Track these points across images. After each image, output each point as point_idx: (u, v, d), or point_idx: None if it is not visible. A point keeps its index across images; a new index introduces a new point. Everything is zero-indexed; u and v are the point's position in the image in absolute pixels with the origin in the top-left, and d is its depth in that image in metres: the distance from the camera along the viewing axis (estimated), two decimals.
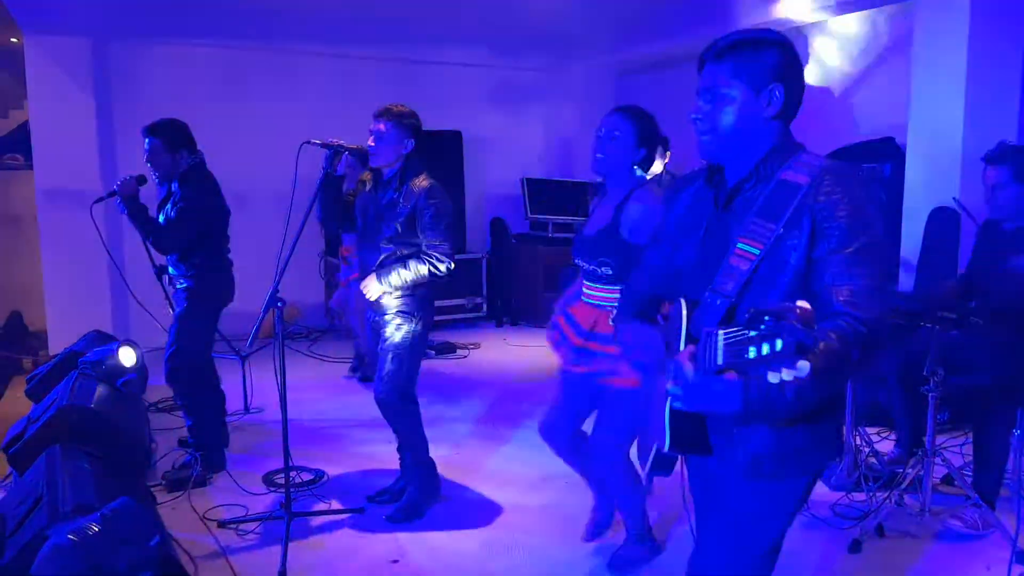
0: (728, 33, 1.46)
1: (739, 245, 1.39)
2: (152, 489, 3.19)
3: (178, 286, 3.47)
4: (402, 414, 3.03)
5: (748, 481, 1.48)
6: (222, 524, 2.98)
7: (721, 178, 1.52)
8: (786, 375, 1.09)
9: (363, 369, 5.01)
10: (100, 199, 3.46)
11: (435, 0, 5.76)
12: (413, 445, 3.10)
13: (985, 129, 4.00)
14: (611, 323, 2.27)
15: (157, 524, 2.04)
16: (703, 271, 1.46)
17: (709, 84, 1.45)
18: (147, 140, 3.37)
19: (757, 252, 1.37)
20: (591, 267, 2.43)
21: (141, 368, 4.03)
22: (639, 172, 2.44)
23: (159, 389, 4.59)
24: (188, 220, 3.31)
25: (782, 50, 1.43)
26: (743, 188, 1.46)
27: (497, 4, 5.95)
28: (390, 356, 2.95)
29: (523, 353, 5.78)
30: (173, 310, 3.60)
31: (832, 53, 5.58)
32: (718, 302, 1.39)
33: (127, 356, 3.86)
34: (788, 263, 1.36)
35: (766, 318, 1.14)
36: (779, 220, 1.36)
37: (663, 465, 1.58)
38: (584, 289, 2.51)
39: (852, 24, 5.44)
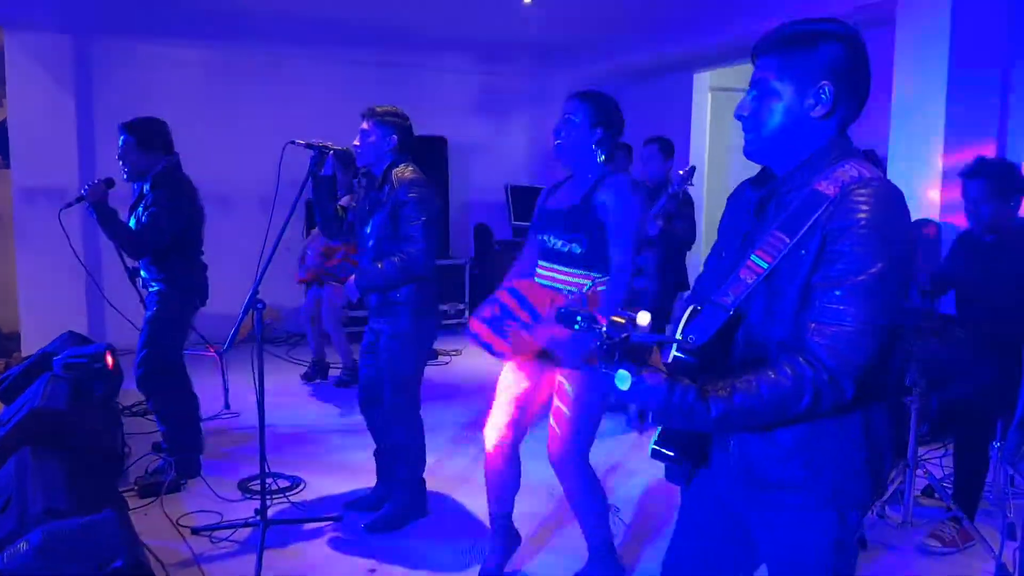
0: (784, 23, 1.33)
1: (752, 257, 1.30)
2: (124, 494, 3.11)
3: (150, 289, 3.39)
4: (405, 431, 2.97)
5: (752, 509, 1.40)
6: (196, 531, 2.92)
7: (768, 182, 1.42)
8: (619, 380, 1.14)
9: (318, 373, 5.06)
10: (68, 204, 3.34)
11: (422, 5, 5.74)
12: (413, 459, 3.03)
13: (965, 143, 4.04)
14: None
15: (121, 543, 1.96)
16: (722, 279, 1.37)
17: (757, 78, 1.34)
18: (121, 137, 3.29)
19: (766, 266, 1.28)
20: (560, 243, 2.30)
21: (115, 371, 3.95)
22: (595, 156, 2.32)
23: (133, 393, 4.51)
24: (159, 225, 3.21)
25: (841, 44, 1.29)
26: (778, 193, 1.35)
27: (484, 11, 5.95)
28: (391, 367, 2.89)
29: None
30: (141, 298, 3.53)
31: None
32: (716, 316, 1.32)
33: (102, 359, 3.79)
34: (791, 284, 1.27)
35: (579, 318, 1.17)
36: (795, 234, 1.25)
37: (675, 474, 1.47)
38: (540, 269, 2.37)
39: None
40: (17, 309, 5.67)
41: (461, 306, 6.76)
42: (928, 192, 4.29)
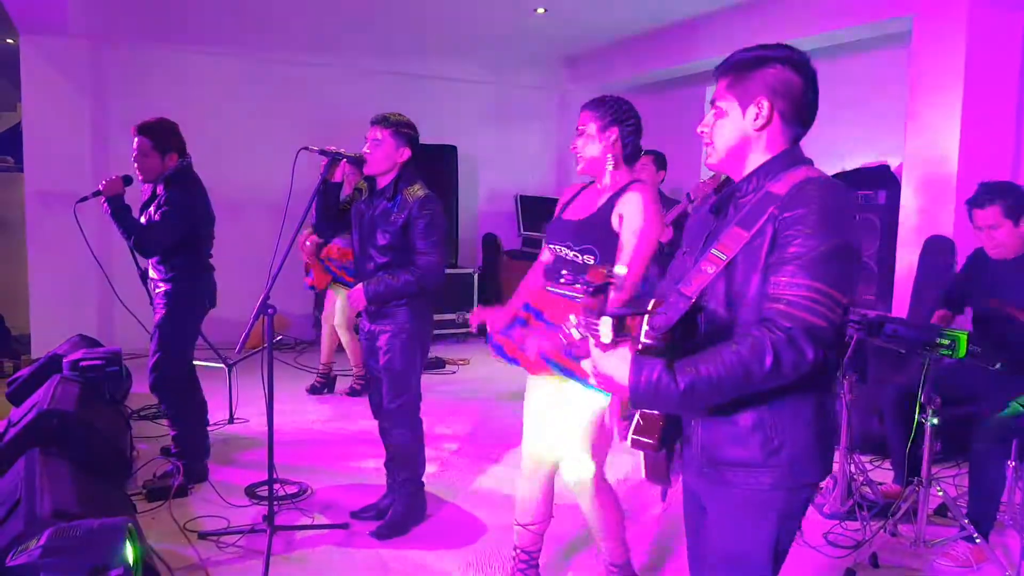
0: (737, 50, 1.50)
1: (712, 251, 1.44)
2: (132, 498, 3.11)
3: (157, 290, 3.39)
4: (408, 429, 2.98)
5: (707, 487, 1.51)
6: (203, 536, 2.91)
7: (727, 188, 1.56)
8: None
9: (326, 385, 5.02)
10: (84, 198, 3.39)
11: (435, 15, 5.77)
12: (412, 463, 3.03)
13: (980, 160, 4.03)
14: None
15: (123, 551, 1.95)
16: (685, 274, 1.51)
17: (713, 99, 1.52)
18: (136, 138, 3.31)
19: (724, 257, 1.41)
20: (573, 254, 2.24)
21: (124, 375, 3.97)
22: (613, 162, 2.25)
23: (142, 396, 4.52)
24: (171, 223, 3.22)
25: (782, 65, 1.44)
26: (734, 197, 1.50)
27: (497, 22, 5.98)
28: (393, 372, 2.90)
29: (512, 370, 5.69)
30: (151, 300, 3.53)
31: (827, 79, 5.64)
32: (678, 305, 1.44)
33: (112, 365, 3.81)
34: (751, 272, 1.39)
35: (563, 271, 1.33)
36: (750, 228, 1.39)
37: (656, 471, 1.52)
38: (555, 281, 2.28)
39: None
40: (27, 311, 5.69)
41: (468, 315, 6.75)
42: (942, 210, 4.27)
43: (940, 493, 2.87)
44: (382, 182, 2.92)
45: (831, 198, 1.36)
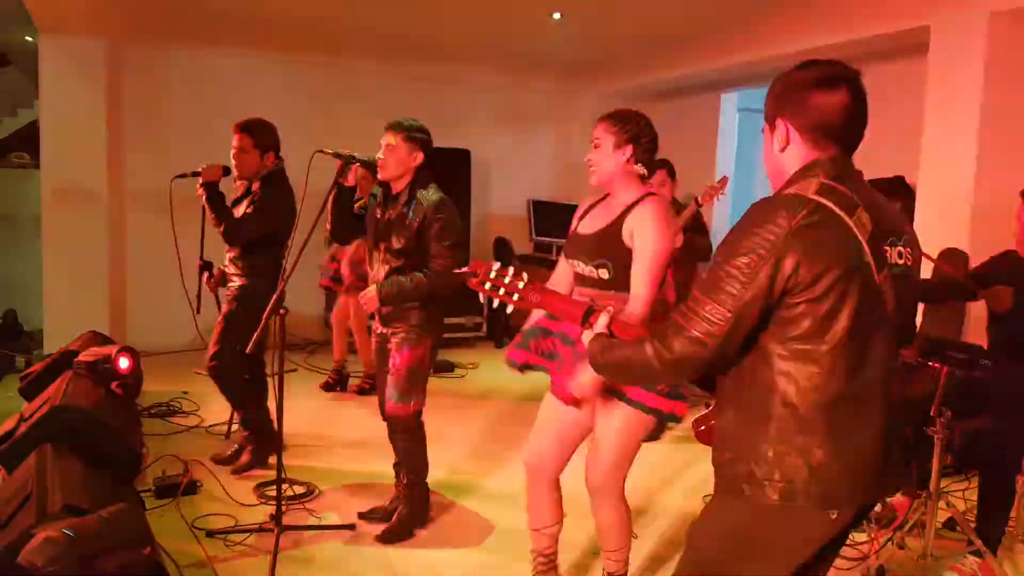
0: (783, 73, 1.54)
1: None
2: (141, 495, 3.13)
3: (231, 283, 3.50)
4: (411, 433, 2.99)
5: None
6: (210, 534, 2.92)
7: None
8: None
9: (339, 383, 5.08)
10: (182, 175, 3.55)
11: (451, 20, 5.79)
12: (416, 467, 3.05)
13: (997, 171, 3.98)
14: None
15: (150, 533, 1.99)
16: None
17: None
18: (236, 135, 3.44)
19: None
20: (588, 269, 2.25)
21: (136, 372, 3.99)
22: (627, 177, 2.25)
23: (153, 394, 4.55)
24: (264, 218, 3.32)
25: (791, 83, 1.47)
26: None
27: (512, 27, 5.99)
28: (401, 373, 2.91)
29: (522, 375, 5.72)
30: (195, 310, 3.66)
31: None
32: None
33: (123, 361, 3.84)
34: None
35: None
36: None
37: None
38: (575, 295, 2.30)
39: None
40: (40, 307, 5.74)
41: (479, 319, 6.76)
42: (958, 222, 4.24)
43: (949, 507, 2.85)
44: (396, 187, 2.94)
45: (749, 213, 1.40)
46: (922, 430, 2.82)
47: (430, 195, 2.89)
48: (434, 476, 3.21)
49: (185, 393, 4.69)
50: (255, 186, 3.44)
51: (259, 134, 3.45)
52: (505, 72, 7.13)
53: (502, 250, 7.17)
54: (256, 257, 3.44)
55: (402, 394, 2.93)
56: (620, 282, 2.19)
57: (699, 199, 4.12)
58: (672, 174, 4.48)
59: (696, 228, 4.39)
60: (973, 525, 2.84)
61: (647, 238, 2.15)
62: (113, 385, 3.70)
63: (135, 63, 5.89)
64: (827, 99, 1.44)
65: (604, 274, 2.20)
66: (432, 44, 6.42)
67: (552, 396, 2.39)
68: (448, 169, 6.43)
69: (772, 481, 1.38)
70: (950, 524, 3.08)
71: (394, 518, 3.05)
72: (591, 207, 2.38)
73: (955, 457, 3.64)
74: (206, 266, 3.73)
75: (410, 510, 3.05)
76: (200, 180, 3.38)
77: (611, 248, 2.19)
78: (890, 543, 2.85)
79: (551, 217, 6.83)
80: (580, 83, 7.47)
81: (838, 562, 2.87)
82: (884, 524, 3.04)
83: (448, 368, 5.79)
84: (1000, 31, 4.13)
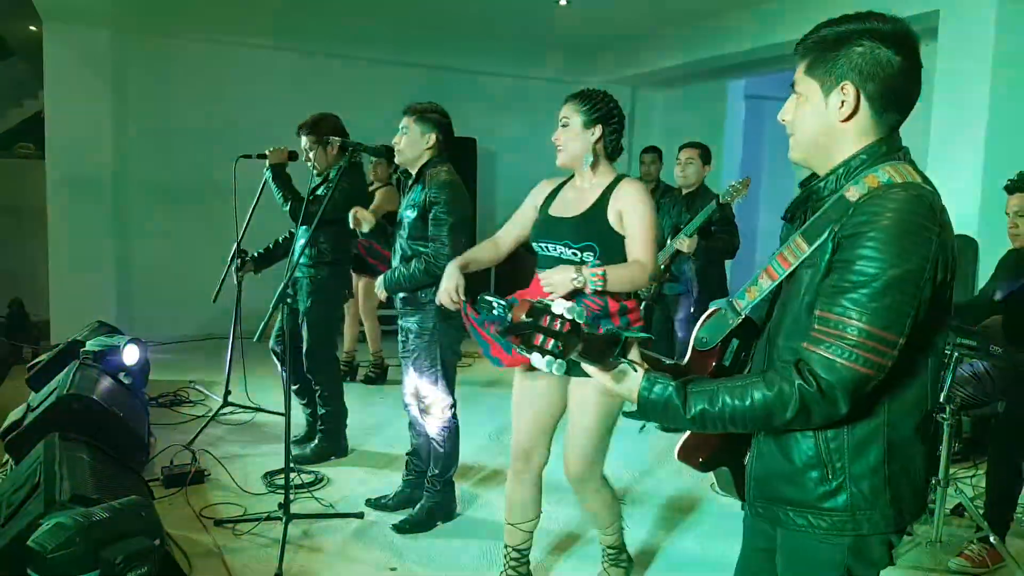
0: (823, 21, 1.28)
1: (772, 262, 1.28)
2: (150, 484, 3.13)
3: (299, 274, 3.47)
4: (440, 432, 2.95)
5: (760, 520, 1.35)
6: (219, 523, 2.93)
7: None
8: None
9: (349, 373, 5.03)
10: (247, 156, 3.63)
11: (456, 7, 5.76)
12: (445, 459, 2.99)
13: (1006, 158, 3.95)
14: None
15: (160, 524, 2.00)
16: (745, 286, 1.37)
17: (792, 81, 1.30)
18: (301, 139, 3.51)
19: (782, 272, 1.25)
20: (571, 252, 2.16)
21: (143, 362, 4.00)
22: (596, 158, 2.21)
23: (160, 383, 4.57)
24: (335, 200, 3.18)
25: (871, 41, 1.20)
26: (812, 199, 1.29)
27: (518, 13, 5.95)
28: (421, 368, 2.88)
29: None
30: (215, 299, 3.63)
31: None
32: (730, 320, 1.32)
33: (131, 352, 3.85)
34: (805, 292, 1.22)
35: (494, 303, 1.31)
36: (813, 241, 1.21)
37: (725, 485, 1.45)
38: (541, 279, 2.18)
39: None
40: (47, 298, 5.76)
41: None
42: (967, 210, 4.21)
43: (957, 493, 2.84)
44: (412, 170, 2.91)
45: (901, 215, 1.13)
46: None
47: (438, 174, 2.82)
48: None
49: (192, 382, 4.70)
50: (332, 175, 3.47)
51: (316, 131, 3.48)
52: (511, 59, 7.09)
53: None
54: (324, 243, 3.47)
55: (425, 393, 2.91)
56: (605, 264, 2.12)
57: (720, 198, 4.04)
58: (705, 158, 4.39)
59: (725, 224, 4.24)
60: (981, 511, 2.83)
61: (640, 212, 2.14)
62: (120, 375, 3.72)
63: (140, 53, 5.88)
64: (907, 64, 1.22)
65: (588, 257, 2.14)
66: (437, 31, 6.39)
67: (520, 383, 2.37)
68: (454, 157, 6.41)
69: None
70: (958, 511, 3.08)
71: (416, 509, 3.00)
72: (556, 191, 2.33)
73: (963, 443, 3.64)
74: (240, 253, 3.70)
75: (434, 504, 3.00)
76: (269, 161, 3.49)
77: (597, 230, 2.15)
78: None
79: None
80: (587, 70, 7.42)
81: None
82: None
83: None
84: (1010, 14, 4.08)
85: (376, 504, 3.15)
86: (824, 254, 1.18)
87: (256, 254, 3.76)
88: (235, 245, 3.70)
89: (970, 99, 4.21)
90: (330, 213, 3.13)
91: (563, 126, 2.24)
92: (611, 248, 2.14)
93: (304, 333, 3.51)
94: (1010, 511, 2.86)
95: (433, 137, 2.87)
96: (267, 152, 3.53)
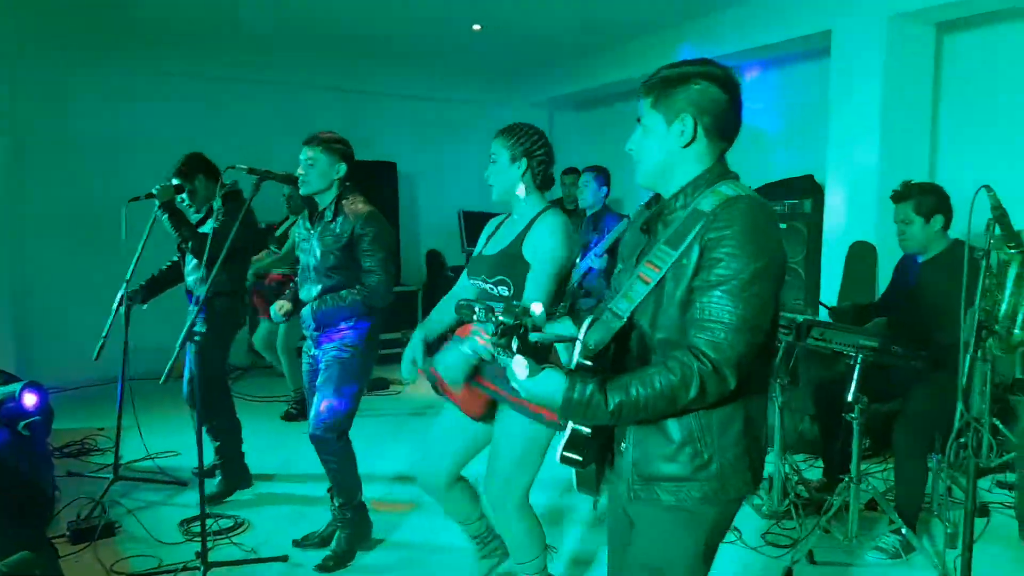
0: (661, 67, 1.50)
1: (641, 268, 1.44)
2: (55, 540, 2.94)
3: (193, 305, 3.37)
4: (338, 454, 2.90)
5: (636, 503, 1.49)
6: None
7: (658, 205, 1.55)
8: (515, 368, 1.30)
9: (301, 412, 4.83)
10: (135, 199, 3.48)
11: (371, 31, 5.74)
12: (347, 487, 2.96)
13: (899, 168, 4.19)
14: None
15: None
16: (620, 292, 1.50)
17: (638, 115, 1.51)
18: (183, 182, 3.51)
19: (654, 276, 1.42)
20: (487, 286, 2.24)
21: (46, 410, 3.77)
22: (526, 191, 2.26)
23: (66, 433, 4.31)
24: (238, 233, 2.98)
25: (706, 81, 1.43)
26: (664, 213, 1.50)
27: (433, 38, 5.98)
28: (330, 392, 2.83)
29: None
30: (102, 343, 3.35)
31: (752, 94, 5.83)
32: (612, 324, 1.44)
33: (30, 398, 3.61)
34: (676, 291, 1.40)
35: (476, 307, 1.38)
36: (679, 248, 1.39)
37: (586, 482, 1.52)
38: None
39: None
40: None
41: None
42: (864, 217, 4.43)
43: (868, 489, 2.96)
44: (322, 202, 2.88)
45: (757, 216, 1.37)
46: (840, 416, 2.93)
47: (357, 207, 2.83)
48: (374, 497, 3.13)
49: (101, 430, 4.45)
50: (215, 205, 3.35)
51: (200, 169, 3.50)
52: (429, 83, 7.11)
53: (434, 263, 7.13)
54: (221, 275, 3.24)
55: (329, 415, 2.84)
56: (519, 298, 2.18)
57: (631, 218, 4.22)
58: (601, 180, 4.50)
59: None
60: (893, 504, 2.96)
61: (541, 250, 2.17)
62: (20, 425, 3.48)
63: (35, 80, 5.58)
64: (733, 101, 1.46)
65: (503, 291, 2.20)
66: (353, 55, 6.34)
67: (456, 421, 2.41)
68: (374, 183, 6.36)
69: None
70: (870, 504, 3.21)
71: (334, 544, 2.94)
72: (498, 227, 2.40)
73: (873, 440, 3.80)
74: (128, 296, 3.46)
75: (349, 535, 2.95)
76: (157, 202, 3.39)
77: (510, 266, 2.20)
78: (817, 527, 2.94)
79: (482, 227, 6.80)
80: (505, 92, 7.52)
81: (768, 550, 2.96)
82: (811, 510, 3.14)
83: (383, 386, 5.70)
84: (898, 31, 4.35)
85: (303, 543, 3.04)
86: (691, 256, 1.38)
87: (140, 285, 3.60)
88: (123, 287, 3.45)
89: (863, 112, 4.46)
90: (236, 242, 3.02)
91: (492, 162, 2.29)
92: (523, 283, 2.18)
93: (191, 362, 3.34)
94: (919, 502, 2.99)
95: (344, 167, 2.85)
96: (154, 191, 3.39)
